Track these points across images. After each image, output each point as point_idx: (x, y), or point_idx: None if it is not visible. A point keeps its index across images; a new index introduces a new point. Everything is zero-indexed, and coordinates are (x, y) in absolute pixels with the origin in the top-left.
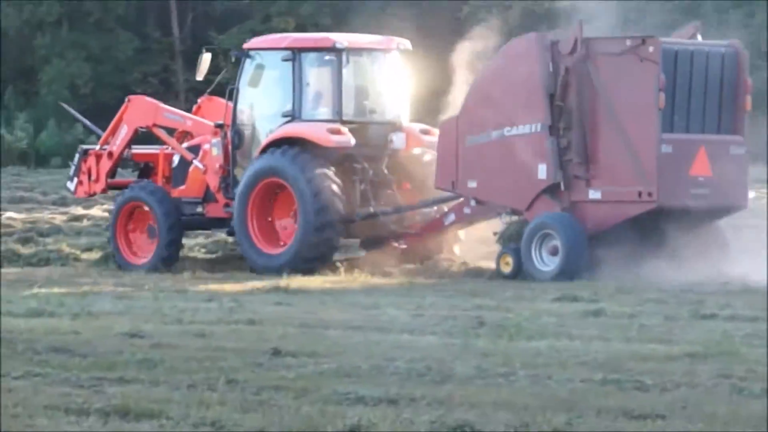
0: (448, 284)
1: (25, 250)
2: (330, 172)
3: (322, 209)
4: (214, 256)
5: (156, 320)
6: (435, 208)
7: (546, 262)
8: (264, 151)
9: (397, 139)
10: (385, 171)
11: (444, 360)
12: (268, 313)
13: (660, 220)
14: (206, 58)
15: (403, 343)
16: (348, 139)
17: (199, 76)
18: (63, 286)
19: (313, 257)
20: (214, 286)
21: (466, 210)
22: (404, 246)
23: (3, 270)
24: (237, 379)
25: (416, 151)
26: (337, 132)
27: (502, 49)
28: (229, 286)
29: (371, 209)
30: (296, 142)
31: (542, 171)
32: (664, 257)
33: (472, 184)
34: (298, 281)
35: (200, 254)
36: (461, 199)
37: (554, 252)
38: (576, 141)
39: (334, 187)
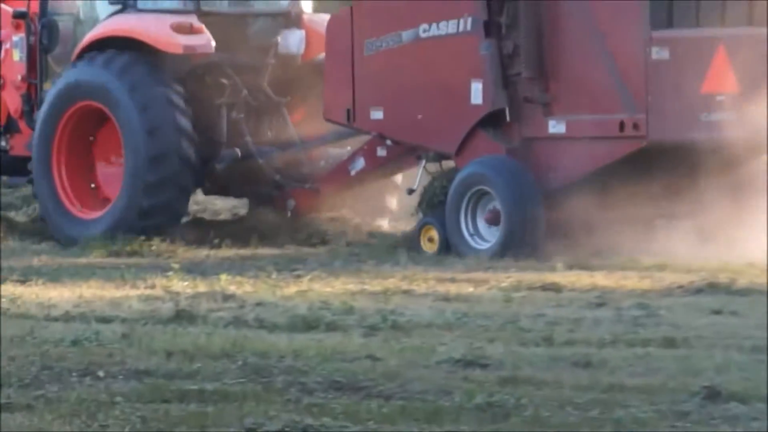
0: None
1: None
2: (176, 94)
3: (159, 156)
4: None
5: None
6: (348, 148)
7: (482, 234)
8: (80, 57)
9: (292, 40)
10: (270, 90)
11: None
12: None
13: (656, 165)
14: None
15: None
16: (206, 40)
17: None
18: None
19: (144, 226)
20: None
21: (381, 152)
22: (293, 206)
23: None
24: None
25: (323, 57)
26: (189, 29)
27: None
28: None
29: (245, 149)
30: (127, 45)
31: (476, 92)
32: (662, 226)
33: (376, 114)
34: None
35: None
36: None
37: (493, 220)
38: (526, 45)
39: (181, 119)
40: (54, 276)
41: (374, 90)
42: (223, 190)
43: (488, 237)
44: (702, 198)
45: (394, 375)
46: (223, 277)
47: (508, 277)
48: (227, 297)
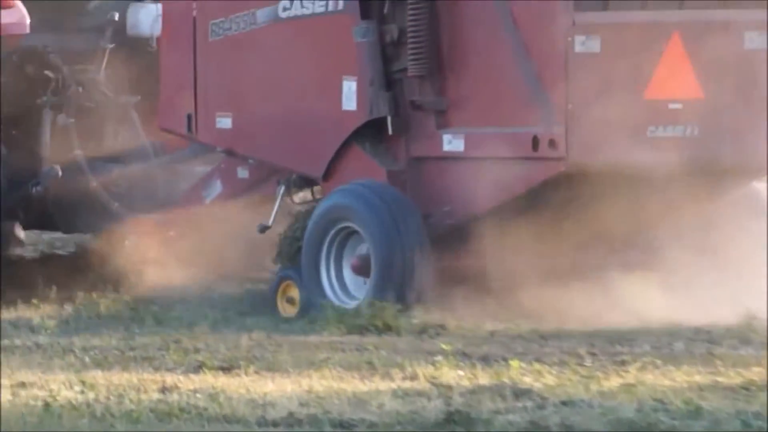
0: None
1: None
2: None
3: None
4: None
5: None
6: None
7: (349, 289)
8: None
9: (144, 17)
10: (104, 83)
11: None
12: None
13: (590, 196)
14: None
15: None
16: (18, 17)
17: None
18: None
19: None
20: None
21: (242, 173)
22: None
23: None
24: None
25: None
26: None
27: None
28: None
29: (74, 166)
30: None
31: (349, 94)
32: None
33: (224, 123)
34: None
35: None
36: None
37: (362, 268)
38: (415, 30)
39: None
40: (270, 362)
41: (220, 89)
42: (47, 223)
43: (356, 292)
44: (660, 242)
45: None
46: (515, 363)
47: None
48: (520, 392)
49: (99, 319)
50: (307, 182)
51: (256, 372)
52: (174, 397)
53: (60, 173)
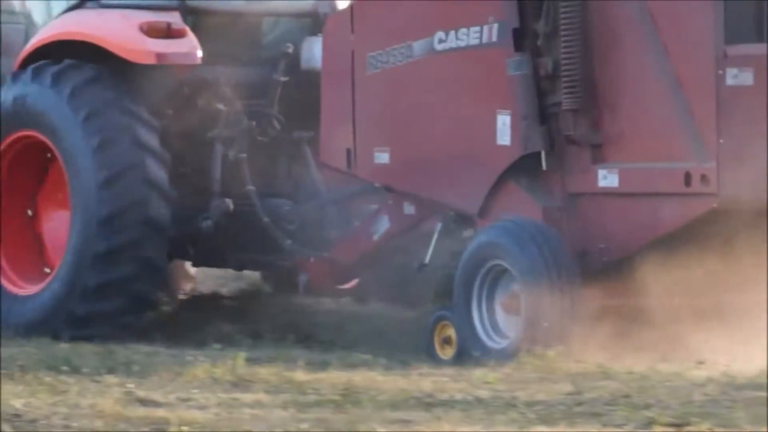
0: None
1: None
2: (147, 127)
3: (115, 216)
4: None
5: None
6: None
7: (500, 328)
8: (24, 68)
9: (318, 50)
10: (278, 120)
11: None
12: None
13: (745, 234)
14: None
15: None
16: (189, 47)
17: None
18: None
19: (91, 313)
20: None
21: (408, 209)
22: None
23: None
24: None
25: None
26: (166, 32)
27: None
28: None
29: (246, 202)
30: (82, 52)
31: (503, 129)
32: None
33: (381, 158)
34: None
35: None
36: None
37: (512, 306)
38: (569, 62)
39: (152, 165)
40: (726, 419)
41: (378, 124)
42: (217, 260)
43: (508, 332)
44: None
45: None
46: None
47: None
48: None
49: (543, 373)
50: (465, 219)
51: (710, 429)
52: None
53: (231, 207)
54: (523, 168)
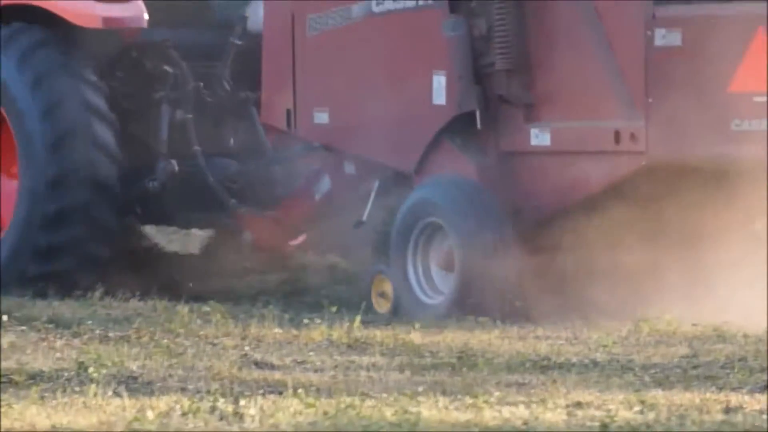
0: None
1: None
2: (94, 90)
3: (63, 177)
4: None
5: None
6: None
7: (436, 284)
8: None
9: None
10: (228, 82)
11: None
12: None
13: (678, 191)
14: None
15: None
16: (136, 11)
17: None
18: None
19: (42, 274)
20: None
21: (349, 168)
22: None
23: None
24: None
25: None
26: None
27: None
28: None
29: (193, 162)
30: (31, 17)
31: (438, 89)
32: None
33: (321, 118)
34: None
35: None
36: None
37: (448, 263)
38: (502, 23)
39: (99, 128)
40: None
41: (318, 85)
42: (163, 218)
43: (442, 288)
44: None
45: None
46: None
47: None
48: None
49: (660, 336)
50: (402, 178)
51: None
52: (738, 418)
53: (176, 168)
54: (458, 127)
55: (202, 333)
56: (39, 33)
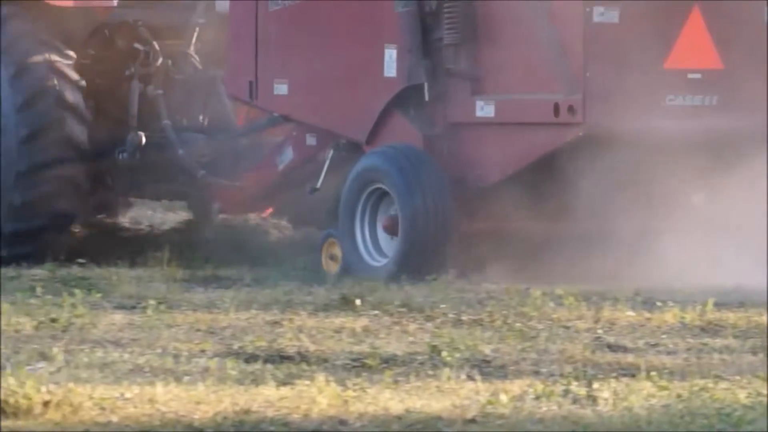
0: None
1: None
2: (63, 57)
3: (32, 136)
4: None
5: None
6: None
7: (382, 248)
8: None
9: None
10: (195, 57)
11: None
12: None
13: (613, 163)
14: None
15: None
16: None
17: None
18: None
19: (14, 231)
20: None
21: (310, 140)
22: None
23: None
24: None
25: None
26: None
27: None
28: None
29: (162, 135)
30: None
31: (390, 62)
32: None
33: (280, 89)
34: None
35: None
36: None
37: (393, 228)
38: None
39: (67, 90)
40: None
41: (278, 57)
42: (135, 190)
43: (388, 251)
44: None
45: None
46: None
47: None
48: None
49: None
50: (354, 147)
51: None
52: None
53: (144, 140)
54: (408, 99)
55: (554, 316)
56: (12, 7)
